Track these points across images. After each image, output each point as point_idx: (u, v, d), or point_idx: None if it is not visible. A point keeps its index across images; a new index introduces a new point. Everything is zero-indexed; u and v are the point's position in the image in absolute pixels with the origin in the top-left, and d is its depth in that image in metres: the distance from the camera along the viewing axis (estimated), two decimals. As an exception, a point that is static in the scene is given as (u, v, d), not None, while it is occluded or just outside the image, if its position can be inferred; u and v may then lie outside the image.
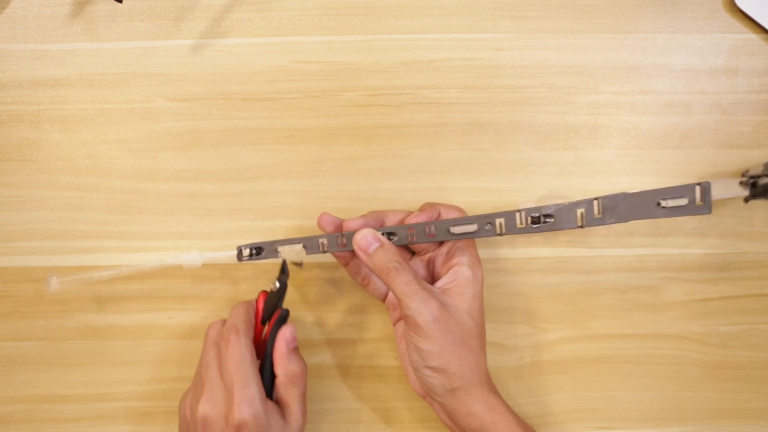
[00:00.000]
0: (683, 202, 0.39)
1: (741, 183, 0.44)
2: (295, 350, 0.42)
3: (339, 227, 0.43)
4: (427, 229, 0.42)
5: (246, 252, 0.44)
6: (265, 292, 0.44)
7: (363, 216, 0.43)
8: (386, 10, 0.47)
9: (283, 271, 0.43)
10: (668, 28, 0.47)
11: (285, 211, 0.47)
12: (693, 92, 0.47)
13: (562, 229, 0.40)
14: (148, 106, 0.47)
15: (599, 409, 0.48)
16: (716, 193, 0.42)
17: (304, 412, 0.41)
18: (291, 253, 0.43)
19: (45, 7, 0.47)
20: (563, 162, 0.47)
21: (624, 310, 0.48)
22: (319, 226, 0.44)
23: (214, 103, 0.47)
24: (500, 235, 0.41)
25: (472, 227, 0.41)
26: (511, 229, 0.41)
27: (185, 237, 0.48)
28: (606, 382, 0.48)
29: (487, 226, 0.41)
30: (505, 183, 0.47)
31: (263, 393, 0.39)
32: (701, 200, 0.38)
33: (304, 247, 0.43)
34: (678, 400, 0.48)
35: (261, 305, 0.43)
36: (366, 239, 0.41)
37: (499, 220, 0.41)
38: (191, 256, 0.45)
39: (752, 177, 0.44)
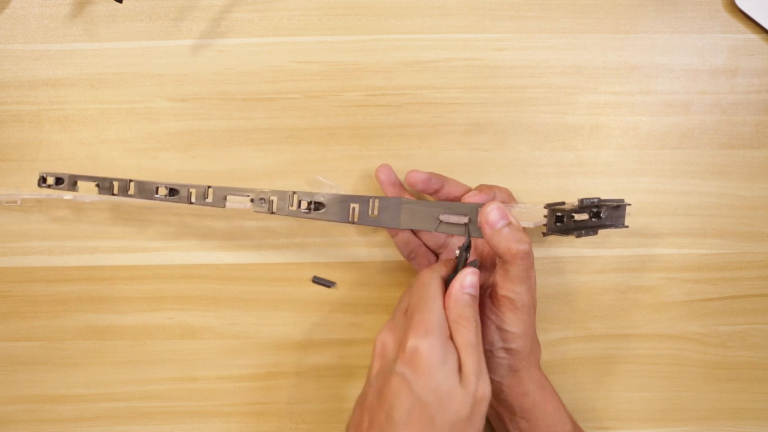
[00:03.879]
0: (463, 220, 0.38)
1: (546, 215, 0.39)
2: (472, 297, 0.37)
3: (397, 184, 0.43)
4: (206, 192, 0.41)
5: (50, 180, 0.44)
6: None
7: (428, 173, 0.42)
8: (386, 10, 0.47)
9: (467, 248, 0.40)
10: (668, 28, 0.47)
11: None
12: (693, 92, 0.47)
13: (333, 221, 0.40)
14: (148, 106, 0.47)
15: (599, 409, 0.48)
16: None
17: (480, 373, 0.35)
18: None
19: (45, 7, 0.47)
20: (563, 162, 0.47)
21: (624, 310, 0.48)
22: (377, 176, 0.43)
23: (214, 103, 0.47)
24: (273, 213, 0.41)
25: (245, 199, 0.41)
26: (283, 210, 0.41)
27: (185, 237, 0.48)
28: (606, 382, 0.48)
29: (261, 201, 0.41)
30: (505, 183, 0.47)
31: (446, 327, 0.35)
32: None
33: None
34: (677, 400, 0.48)
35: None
36: (495, 213, 0.38)
37: (273, 198, 0.41)
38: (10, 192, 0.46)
39: (561, 212, 0.38)
